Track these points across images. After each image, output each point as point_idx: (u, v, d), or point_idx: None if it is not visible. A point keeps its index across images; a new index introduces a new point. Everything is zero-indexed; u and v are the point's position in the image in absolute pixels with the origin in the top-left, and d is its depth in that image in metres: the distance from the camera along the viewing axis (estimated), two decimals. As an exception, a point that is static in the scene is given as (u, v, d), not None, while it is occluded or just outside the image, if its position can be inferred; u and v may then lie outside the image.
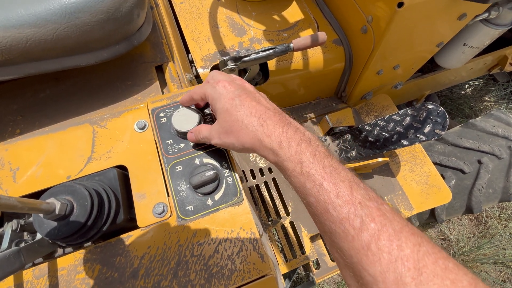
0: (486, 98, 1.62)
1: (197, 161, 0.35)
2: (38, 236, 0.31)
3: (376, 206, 0.22)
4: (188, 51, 0.64)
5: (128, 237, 0.32)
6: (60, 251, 0.34)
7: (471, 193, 0.86)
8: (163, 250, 0.31)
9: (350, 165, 0.70)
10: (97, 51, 0.37)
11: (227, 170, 0.35)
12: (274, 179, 0.75)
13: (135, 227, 0.32)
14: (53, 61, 0.35)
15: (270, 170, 0.76)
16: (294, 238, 0.70)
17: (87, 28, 0.33)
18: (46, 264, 0.30)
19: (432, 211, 0.96)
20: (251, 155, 0.78)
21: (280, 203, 0.73)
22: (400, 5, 0.45)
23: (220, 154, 0.36)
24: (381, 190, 0.74)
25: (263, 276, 0.31)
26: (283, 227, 0.71)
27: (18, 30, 0.30)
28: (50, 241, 0.31)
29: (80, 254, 0.31)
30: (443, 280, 0.18)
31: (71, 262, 0.30)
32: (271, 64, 0.64)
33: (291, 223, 0.71)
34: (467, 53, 0.74)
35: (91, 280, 0.30)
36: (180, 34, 0.66)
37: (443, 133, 0.56)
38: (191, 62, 0.63)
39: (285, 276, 0.83)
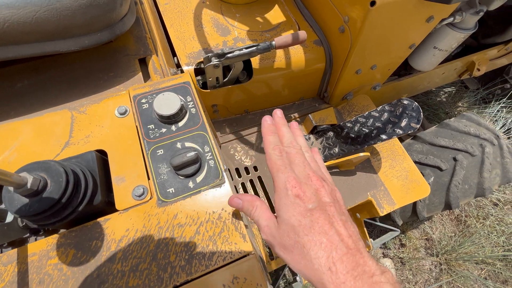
0: (460, 104, 1.72)
1: (178, 145, 0.35)
2: (9, 219, 0.29)
3: None
4: (174, 54, 0.64)
5: (106, 221, 0.31)
6: (32, 239, 0.33)
7: (449, 189, 0.90)
8: (142, 232, 0.31)
9: (333, 161, 0.71)
10: (78, 37, 0.37)
11: (209, 154, 0.35)
12: (259, 177, 0.76)
13: (114, 211, 0.32)
14: (32, 45, 0.34)
15: (255, 168, 0.77)
16: None
17: (68, 12, 0.33)
18: (15, 250, 0.29)
19: (414, 209, 0.99)
20: (236, 153, 0.78)
21: (266, 200, 0.73)
22: (373, 3, 0.49)
23: (203, 138, 0.36)
24: (364, 187, 0.76)
25: (245, 256, 0.30)
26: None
27: (-5, 11, 0.30)
28: (21, 224, 0.30)
29: (53, 239, 0.29)
30: None
31: (43, 247, 0.29)
32: (255, 63, 0.66)
33: (277, 220, 0.71)
34: (437, 56, 0.79)
35: (64, 265, 0.28)
36: (165, 34, 0.67)
37: (418, 126, 0.59)
38: (178, 66, 0.63)
39: (272, 275, 0.82)
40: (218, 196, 0.33)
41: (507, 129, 1.55)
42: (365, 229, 0.87)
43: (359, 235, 0.27)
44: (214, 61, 0.58)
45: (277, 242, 0.27)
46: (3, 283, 0.27)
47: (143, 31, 0.51)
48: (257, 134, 0.81)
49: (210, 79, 0.62)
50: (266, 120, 0.35)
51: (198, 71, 0.65)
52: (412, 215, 1.00)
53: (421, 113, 0.59)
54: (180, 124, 0.37)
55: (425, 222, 1.38)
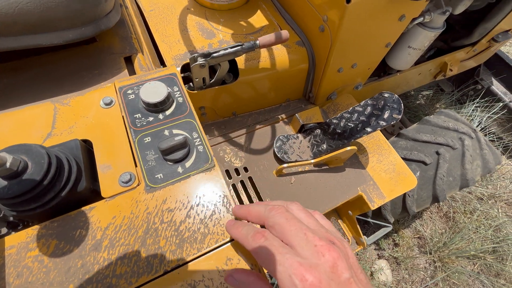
0: (437, 106, 1.81)
1: (166, 132, 0.35)
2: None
3: None
4: (160, 58, 0.65)
5: (91, 209, 0.29)
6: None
7: (435, 183, 0.92)
8: (130, 219, 0.29)
9: (322, 157, 0.72)
10: (62, 31, 0.37)
11: (198, 139, 0.35)
12: (250, 178, 0.75)
13: (99, 199, 0.30)
14: (14, 38, 0.34)
15: (245, 169, 0.76)
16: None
17: (51, 4, 0.33)
18: (-9, 244, 0.27)
19: (404, 205, 1.00)
20: (225, 155, 0.77)
21: (258, 200, 0.72)
22: (348, 1, 0.52)
23: (191, 125, 0.36)
24: (354, 182, 0.77)
25: (238, 237, 0.30)
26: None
27: (-25, 1, 0.30)
28: (0, 215, 0.28)
29: (33, 230, 0.28)
30: None
31: (22, 239, 0.27)
32: (241, 64, 0.68)
33: (270, 220, 0.70)
34: (412, 55, 0.84)
35: (45, 257, 0.27)
36: (150, 39, 0.67)
37: (400, 116, 0.61)
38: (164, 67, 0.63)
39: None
40: (209, 180, 0.33)
41: (483, 127, 1.63)
42: (358, 226, 0.88)
43: None
44: (200, 60, 0.59)
45: None
46: (-24, 280, 0.25)
47: (128, 31, 0.52)
48: (246, 135, 0.81)
49: (196, 79, 0.63)
50: (228, 222, 0.29)
51: (186, 80, 0.65)
52: (403, 211, 1.01)
53: (402, 104, 0.62)
54: (168, 112, 0.37)
55: (416, 221, 1.40)
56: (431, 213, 1.44)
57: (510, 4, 0.91)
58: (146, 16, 0.69)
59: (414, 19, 0.72)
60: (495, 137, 1.63)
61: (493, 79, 1.62)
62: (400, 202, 1.01)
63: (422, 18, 0.71)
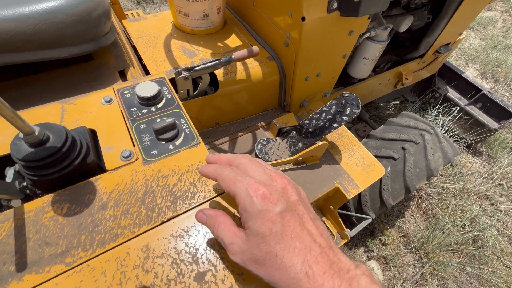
0: (404, 114, 1.98)
1: (158, 120, 0.42)
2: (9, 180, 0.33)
3: None
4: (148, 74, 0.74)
5: (97, 179, 0.35)
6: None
7: (405, 175, 1.02)
8: (131, 185, 0.35)
9: (299, 154, 0.80)
10: (69, 47, 0.45)
11: (185, 124, 0.43)
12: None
13: (104, 173, 0.36)
14: (30, 53, 0.41)
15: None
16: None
17: (62, 25, 0.42)
18: (11, 209, 0.32)
19: (381, 199, 1.08)
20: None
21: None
22: (303, 19, 0.65)
23: (178, 114, 0.44)
24: (330, 176, 0.85)
25: (221, 194, 0.36)
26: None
27: (2, 22, 0.37)
28: (18, 186, 0.33)
29: (48, 197, 0.33)
30: None
31: (38, 205, 0.32)
32: (220, 77, 0.78)
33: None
34: (367, 64, 0.98)
35: (59, 217, 0.32)
36: (139, 61, 0.77)
37: (359, 111, 0.72)
38: None
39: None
40: (196, 153, 0.40)
41: (447, 129, 1.80)
42: (340, 220, 0.93)
43: (327, 230, 0.27)
44: (184, 73, 0.68)
45: (247, 257, 0.25)
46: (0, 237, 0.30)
47: (121, 50, 0.61)
48: (229, 142, 0.89)
49: (181, 91, 0.72)
50: (201, 166, 0.33)
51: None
52: (382, 206, 1.09)
53: (359, 101, 0.73)
54: (159, 105, 0.44)
55: (399, 220, 1.47)
56: (412, 212, 1.52)
57: (443, 21, 1.10)
58: (134, 42, 0.80)
59: (362, 34, 0.86)
60: (458, 137, 1.80)
61: (447, 87, 1.83)
62: (377, 198, 1.09)
63: (369, 33, 0.86)
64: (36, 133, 0.29)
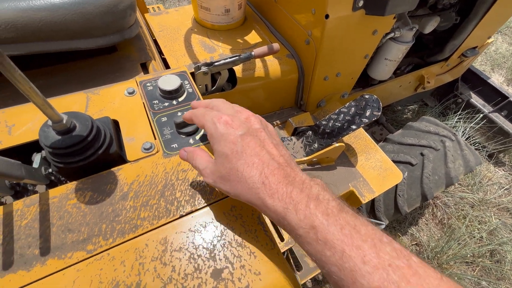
0: (423, 119, 1.92)
1: (179, 113, 0.42)
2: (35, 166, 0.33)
3: (407, 264, 0.20)
4: (168, 68, 0.74)
5: (118, 170, 0.36)
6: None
7: (422, 181, 0.99)
8: (151, 177, 0.36)
9: (314, 155, 0.79)
10: (96, 38, 0.45)
11: (205, 119, 0.42)
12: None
13: (125, 164, 0.37)
14: (58, 42, 0.42)
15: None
16: (272, 226, 0.73)
17: (90, 16, 0.42)
18: (37, 195, 0.33)
19: (396, 205, 1.05)
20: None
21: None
22: (327, 16, 0.63)
23: (199, 109, 0.44)
24: (345, 179, 0.83)
25: (240, 191, 0.36)
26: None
27: (34, 12, 0.38)
28: (44, 173, 0.34)
29: (72, 185, 0.34)
30: None
31: (62, 191, 0.33)
32: (239, 74, 0.77)
33: (268, 213, 0.75)
34: (389, 66, 0.95)
35: (82, 204, 0.32)
36: (160, 54, 0.78)
37: (379, 113, 0.70)
38: None
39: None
40: (215, 149, 0.39)
41: (468, 137, 1.73)
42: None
43: (290, 155, 0.30)
44: (203, 68, 0.68)
45: (216, 176, 0.28)
46: (26, 220, 0.31)
47: (143, 43, 0.61)
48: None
49: (200, 86, 0.72)
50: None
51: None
52: (396, 212, 1.06)
53: (380, 103, 0.71)
54: (180, 99, 0.44)
55: (412, 227, 1.43)
56: (426, 220, 1.48)
57: (472, 23, 1.05)
58: (156, 35, 0.80)
59: (386, 34, 0.83)
60: (480, 146, 1.72)
61: (471, 92, 1.76)
62: (392, 203, 1.06)
63: (393, 34, 0.83)
64: (64, 121, 0.29)
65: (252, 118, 0.31)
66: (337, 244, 0.21)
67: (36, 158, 0.34)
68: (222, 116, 0.29)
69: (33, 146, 0.37)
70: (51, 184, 0.36)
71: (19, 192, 0.34)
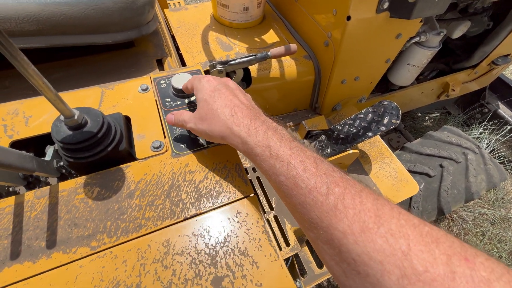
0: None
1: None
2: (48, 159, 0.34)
3: (339, 175, 0.25)
4: (184, 65, 0.74)
5: (127, 167, 0.36)
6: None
7: (439, 195, 0.94)
8: (158, 176, 0.35)
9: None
10: (113, 33, 0.46)
11: (216, 120, 0.42)
12: (258, 178, 0.80)
13: (134, 161, 0.37)
14: (77, 36, 0.43)
15: (254, 169, 0.81)
16: (279, 231, 0.72)
17: (109, 12, 0.43)
18: (48, 187, 0.33)
19: (409, 217, 1.01)
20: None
21: (265, 199, 0.76)
22: (349, 18, 0.60)
23: (210, 109, 0.43)
24: (357, 187, 0.80)
25: (246, 196, 0.35)
26: (267, 221, 0.73)
27: (56, 6, 0.39)
28: (56, 166, 0.34)
29: (81, 179, 0.34)
30: (399, 220, 0.21)
31: (71, 185, 0.34)
32: (254, 73, 0.76)
33: (275, 217, 0.73)
34: (412, 71, 0.91)
35: (89, 200, 0.33)
36: (176, 50, 0.78)
37: (398, 121, 0.67)
38: None
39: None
40: (224, 152, 0.39)
41: (492, 149, 1.64)
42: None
43: (259, 108, 0.34)
44: (219, 67, 0.67)
45: (196, 118, 0.34)
46: (35, 212, 0.31)
47: (160, 39, 0.62)
48: (256, 140, 0.88)
49: (214, 84, 0.71)
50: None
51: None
52: (408, 224, 1.01)
53: (400, 111, 0.67)
54: (192, 98, 0.44)
55: (425, 240, 1.37)
56: (435, 218, 1.41)
57: (506, 29, 0.99)
58: (174, 31, 0.80)
59: (411, 38, 0.79)
60: (505, 160, 1.62)
61: (499, 102, 1.66)
62: (405, 215, 1.01)
63: (418, 38, 0.79)
64: (76, 117, 0.29)
65: (230, 82, 0.37)
66: (285, 157, 0.26)
67: (49, 151, 0.35)
68: (207, 76, 0.37)
69: (48, 138, 0.38)
70: (62, 177, 0.36)
71: (31, 183, 0.35)
